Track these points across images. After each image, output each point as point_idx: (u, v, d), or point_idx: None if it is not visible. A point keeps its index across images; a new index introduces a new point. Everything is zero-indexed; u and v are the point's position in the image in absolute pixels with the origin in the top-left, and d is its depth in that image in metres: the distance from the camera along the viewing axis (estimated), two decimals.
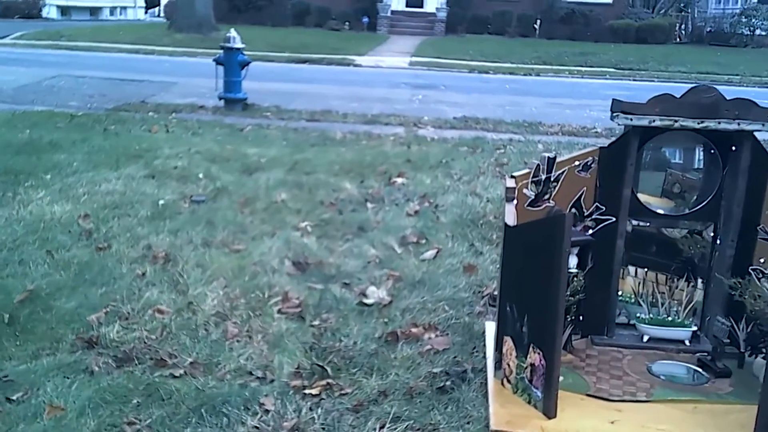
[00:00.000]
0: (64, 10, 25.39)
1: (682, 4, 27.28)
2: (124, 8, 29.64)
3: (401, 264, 3.01)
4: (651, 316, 2.29)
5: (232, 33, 7.49)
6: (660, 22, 22.43)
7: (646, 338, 2.27)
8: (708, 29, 24.33)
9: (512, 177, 2.03)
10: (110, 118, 6.60)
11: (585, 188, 2.14)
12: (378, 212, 3.75)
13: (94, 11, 27.32)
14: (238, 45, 7.41)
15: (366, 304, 2.57)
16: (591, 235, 2.17)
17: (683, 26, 24.96)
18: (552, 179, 2.08)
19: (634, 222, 2.29)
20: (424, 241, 3.31)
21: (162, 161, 4.73)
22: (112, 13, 28.52)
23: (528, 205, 2.09)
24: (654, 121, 2.03)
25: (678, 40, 23.21)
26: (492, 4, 22.04)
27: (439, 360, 2.19)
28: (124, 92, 8.65)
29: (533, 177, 2.06)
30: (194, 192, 3.99)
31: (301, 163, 4.92)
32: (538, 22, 21.38)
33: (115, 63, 12.47)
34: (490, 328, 2.31)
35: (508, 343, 1.95)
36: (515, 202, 1.99)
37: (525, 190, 2.05)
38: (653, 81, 13.11)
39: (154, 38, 16.45)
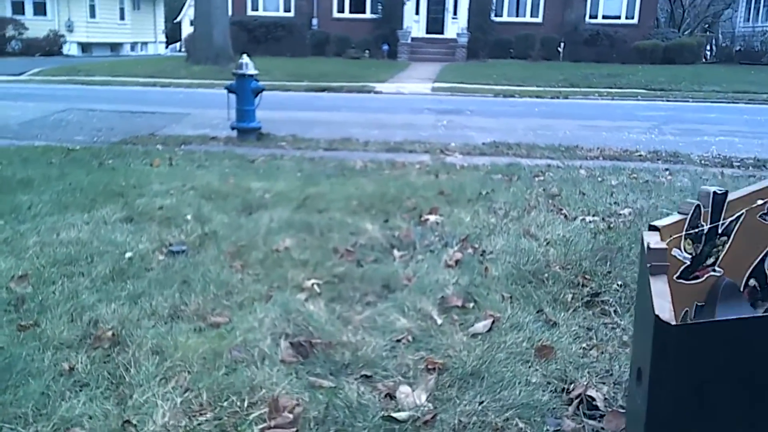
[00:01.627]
0: (84, 47, 25.47)
1: (706, 24, 26.45)
2: (144, 44, 29.80)
3: (443, 343, 2.13)
4: None
5: (245, 59, 6.85)
6: (688, 42, 21.60)
7: None
8: (737, 48, 23.40)
9: (654, 229, 1.15)
10: (111, 152, 5.96)
11: None
12: (408, 263, 2.88)
13: (115, 47, 27.44)
14: (251, 71, 6.76)
15: (396, 420, 1.68)
16: None
17: (708, 46, 24.14)
18: (720, 231, 1.20)
19: None
20: (471, 305, 2.43)
21: (146, 200, 3.95)
22: (132, 49, 28.65)
23: (679, 276, 1.20)
24: None
25: (704, 60, 22.31)
26: (514, 28, 21.52)
27: None
28: (134, 125, 8.15)
29: (689, 227, 1.18)
30: (176, 239, 3.19)
31: (313, 198, 4.11)
32: (562, 44, 20.73)
33: (129, 96, 12.09)
34: None
35: None
36: (665, 275, 1.11)
37: (675, 251, 1.17)
38: (688, 101, 12.58)
39: (171, 71, 16.21)
